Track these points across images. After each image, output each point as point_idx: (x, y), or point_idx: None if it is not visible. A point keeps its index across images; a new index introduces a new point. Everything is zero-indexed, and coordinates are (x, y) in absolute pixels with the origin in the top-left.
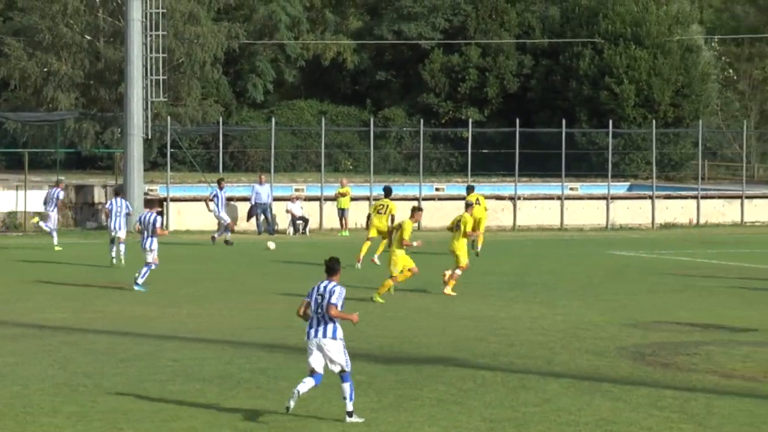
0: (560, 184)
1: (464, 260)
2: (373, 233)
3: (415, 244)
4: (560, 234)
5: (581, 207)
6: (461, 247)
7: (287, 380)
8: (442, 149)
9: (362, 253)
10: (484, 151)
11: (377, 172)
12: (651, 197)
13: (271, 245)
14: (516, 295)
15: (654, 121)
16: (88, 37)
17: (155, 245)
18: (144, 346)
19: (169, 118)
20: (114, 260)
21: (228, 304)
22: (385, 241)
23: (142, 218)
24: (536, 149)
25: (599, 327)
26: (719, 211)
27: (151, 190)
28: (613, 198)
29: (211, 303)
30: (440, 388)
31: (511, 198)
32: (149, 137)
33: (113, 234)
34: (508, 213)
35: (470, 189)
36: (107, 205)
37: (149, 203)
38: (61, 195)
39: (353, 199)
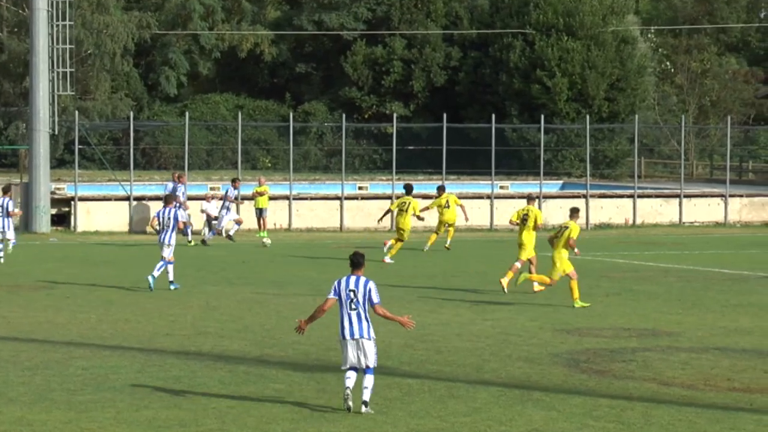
0: (490, 182)
1: (529, 253)
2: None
3: (575, 251)
4: (490, 235)
5: (512, 206)
6: (530, 240)
7: (202, 388)
8: (365, 146)
9: (393, 252)
10: (409, 147)
11: (297, 170)
12: (585, 196)
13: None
14: (444, 299)
15: (588, 116)
16: None
17: (173, 240)
18: (51, 353)
19: (76, 112)
20: (2, 258)
21: (139, 309)
22: (400, 243)
23: (160, 215)
24: (464, 146)
25: (531, 333)
26: (656, 210)
27: (59, 189)
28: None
29: (122, 308)
30: None
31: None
32: (56, 133)
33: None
34: (434, 213)
35: (441, 189)
36: None
37: (169, 199)
38: (180, 190)
39: (272, 198)
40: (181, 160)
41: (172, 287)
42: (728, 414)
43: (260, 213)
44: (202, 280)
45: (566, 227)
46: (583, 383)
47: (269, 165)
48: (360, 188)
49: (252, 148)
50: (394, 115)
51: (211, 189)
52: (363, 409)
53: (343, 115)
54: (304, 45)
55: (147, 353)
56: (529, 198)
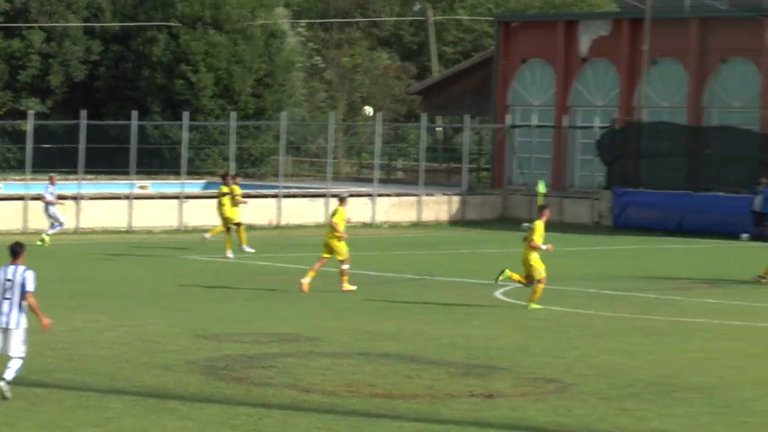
0: (129, 182)
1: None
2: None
3: (544, 247)
4: (128, 237)
5: (151, 207)
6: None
7: None
8: None
9: (243, 238)
10: (45, 145)
11: None
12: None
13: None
14: (77, 304)
15: (234, 113)
16: None
17: None
18: None
19: None
20: None
21: None
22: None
23: None
24: (104, 143)
25: (169, 339)
26: (301, 210)
27: None
28: (187, 197)
29: None
30: None
31: (75, 198)
32: None
33: None
34: (70, 213)
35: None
36: None
37: None
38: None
39: None
40: None
41: None
42: (370, 421)
43: None
44: None
45: (531, 227)
46: (221, 391)
47: None
48: None
49: None
50: (30, 112)
51: None
52: (1, 383)
53: None
54: None
55: None
56: (340, 198)
